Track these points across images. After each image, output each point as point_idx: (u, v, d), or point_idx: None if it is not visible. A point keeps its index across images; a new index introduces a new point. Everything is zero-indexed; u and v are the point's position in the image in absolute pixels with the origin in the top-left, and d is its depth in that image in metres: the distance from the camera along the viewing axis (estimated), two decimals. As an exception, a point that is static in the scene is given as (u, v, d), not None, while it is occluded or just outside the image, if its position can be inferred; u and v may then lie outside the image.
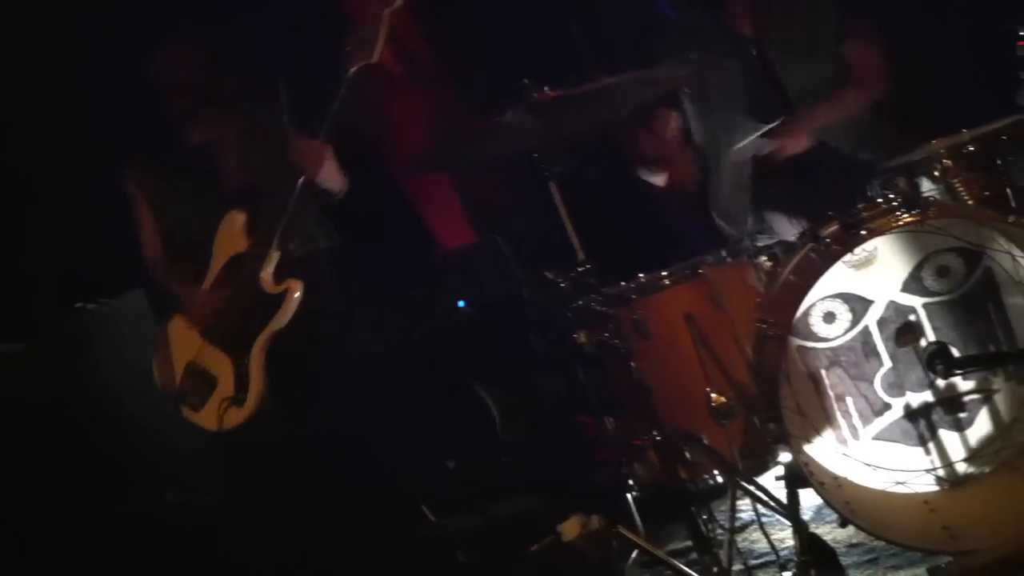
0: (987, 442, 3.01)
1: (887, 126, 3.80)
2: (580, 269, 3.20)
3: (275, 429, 3.55)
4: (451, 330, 4.56)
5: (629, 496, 3.37)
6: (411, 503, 4.08)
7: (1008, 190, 3.25)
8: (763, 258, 3.36)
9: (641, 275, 3.42)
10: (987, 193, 3.17)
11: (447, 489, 4.29)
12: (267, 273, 3.50)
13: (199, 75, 3.80)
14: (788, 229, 3.71)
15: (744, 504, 3.31)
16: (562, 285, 3.31)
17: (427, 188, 5.40)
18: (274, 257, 3.49)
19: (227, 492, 3.91)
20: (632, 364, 3.18)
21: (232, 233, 3.64)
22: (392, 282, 4.57)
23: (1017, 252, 2.93)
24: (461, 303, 4.57)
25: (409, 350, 4.33)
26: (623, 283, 3.40)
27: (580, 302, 3.36)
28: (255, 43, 4.30)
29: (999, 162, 3.28)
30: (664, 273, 3.38)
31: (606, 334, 3.21)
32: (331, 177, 3.54)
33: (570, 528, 3.47)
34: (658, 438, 3.10)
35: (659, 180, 3.80)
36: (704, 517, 3.07)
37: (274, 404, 3.52)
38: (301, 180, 3.46)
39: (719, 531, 3.11)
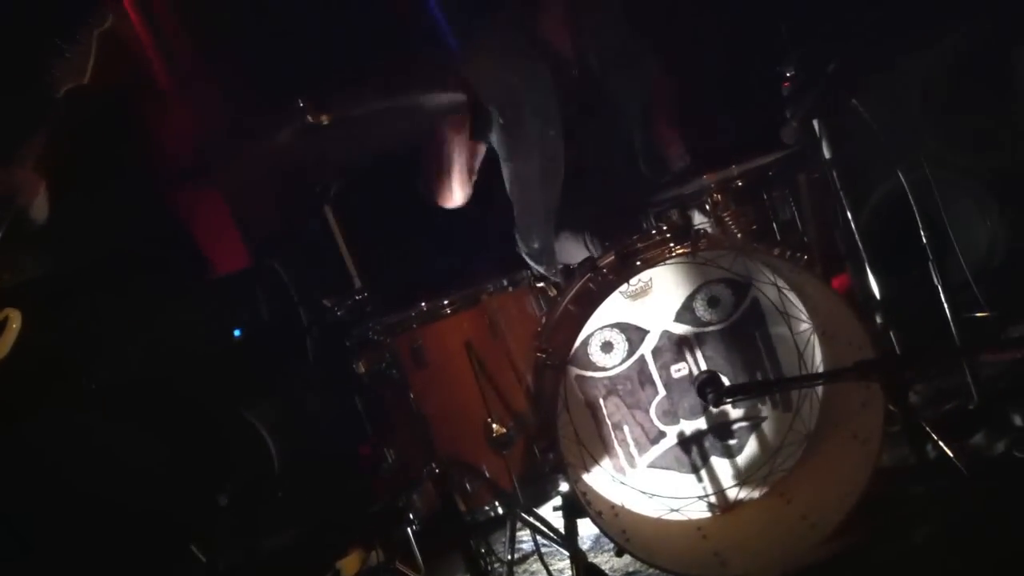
0: (756, 468, 3.10)
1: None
2: (358, 296, 3.11)
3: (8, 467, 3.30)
4: (224, 358, 4.37)
5: (409, 529, 3.29)
6: (179, 542, 3.86)
7: (774, 224, 3.40)
8: (543, 286, 3.36)
9: (422, 303, 3.36)
10: (754, 226, 3.28)
11: (218, 525, 4.08)
12: None
13: None
14: (579, 253, 3.72)
15: (524, 535, 3.28)
16: (339, 312, 3.22)
17: (201, 212, 5.17)
18: None
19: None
20: (411, 394, 3.12)
21: None
22: (162, 306, 4.34)
23: (782, 284, 3.05)
24: (236, 332, 4.38)
25: (177, 379, 4.11)
26: (403, 310, 3.33)
27: (359, 330, 3.27)
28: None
29: (766, 197, 3.42)
30: (445, 301, 3.34)
31: (384, 363, 3.14)
32: (41, 210, 3.39)
33: (350, 564, 3.37)
34: (437, 469, 3.04)
35: (454, 202, 3.75)
36: (483, 549, 3.02)
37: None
38: (9, 216, 3.29)
39: (498, 563, 3.07)
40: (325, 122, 2.94)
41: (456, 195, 3.69)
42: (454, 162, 3.62)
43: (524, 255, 3.83)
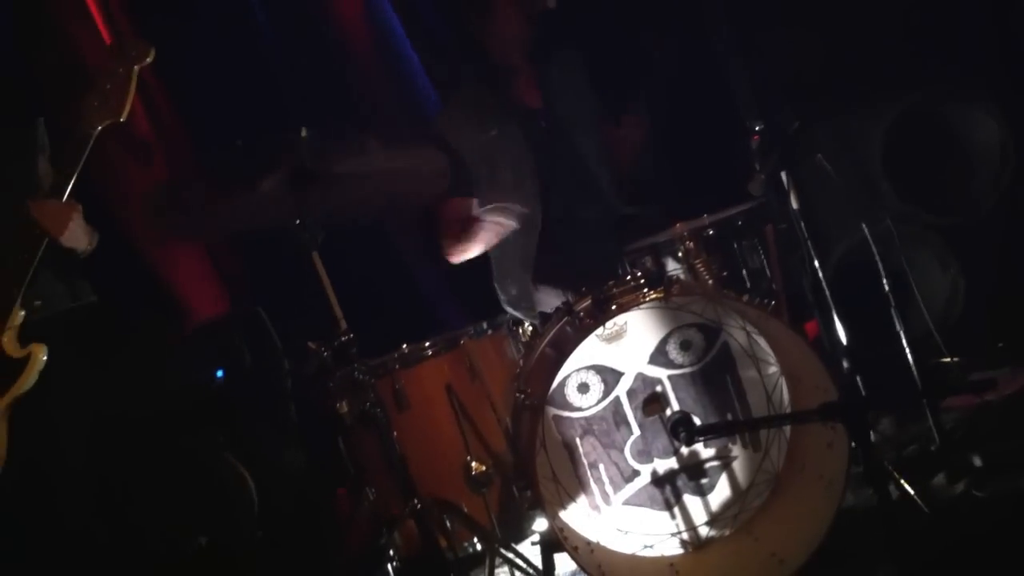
0: (727, 506, 3.19)
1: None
2: (342, 339, 3.20)
3: (17, 495, 3.33)
4: (206, 401, 4.42)
5: (389, 567, 3.36)
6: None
7: (744, 271, 3.53)
8: (522, 330, 3.46)
9: (404, 346, 3.46)
10: (724, 273, 3.41)
11: (197, 564, 4.12)
12: (10, 337, 3.30)
13: None
14: (554, 302, 3.84)
15: (502, 572, 3.36)
16: (324, 355, 3.30)
17: (180, 257, 5.24)
18: (18, 318, 3.30)
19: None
20: (393, 434, 3.20)
21: None
22: (144, 352, 4.40)
23: (751, 328, 3.17)
24: (219, 373, 4.45)
25: (159, 420, 4.17)
26: (385, 354, 3.42)
27: (341, 372, 3.36)
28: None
29: (735, 245, 3.55)
30: (426, 344, 3.44)
31: (367, 404, 3.22)
32: (77, 239, 3.37)
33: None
34: (418, 507, 3.11)
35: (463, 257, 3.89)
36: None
37: (15, 469, 3.30)
38: (42, 247, 3.29)
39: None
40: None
41: (464, 251, 3.83)
42: (453, 223, 3.77)
43: (504, 304, 3.95)
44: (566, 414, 3.16)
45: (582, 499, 3.13)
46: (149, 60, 3.25)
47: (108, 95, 3.23)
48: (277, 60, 5.08)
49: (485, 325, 3.51)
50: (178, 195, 3.50)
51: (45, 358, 3.26)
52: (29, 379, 3.25)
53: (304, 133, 3.11)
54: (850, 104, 4.44)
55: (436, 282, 4.98)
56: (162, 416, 4.21)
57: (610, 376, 3.17)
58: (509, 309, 3.90)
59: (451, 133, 3.82)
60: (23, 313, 3.30)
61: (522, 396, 3.12)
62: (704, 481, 3.19)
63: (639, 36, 4.34)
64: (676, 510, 3.17)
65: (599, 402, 3.17)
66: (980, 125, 4.45)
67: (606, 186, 3.99)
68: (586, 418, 3.16)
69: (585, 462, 3.16)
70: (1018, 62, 4.42)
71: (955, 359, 3.78)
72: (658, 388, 3.18)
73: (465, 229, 3.79)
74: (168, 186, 4.44)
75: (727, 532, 3.17)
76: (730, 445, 3.20)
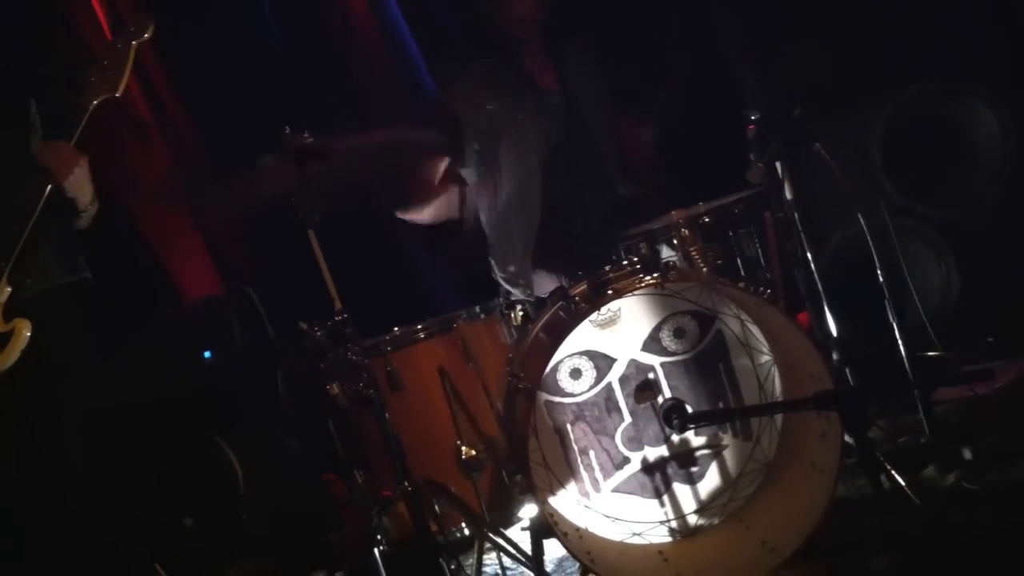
0: (716, 495, 3.19)
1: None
2: (336, 319, 3.18)
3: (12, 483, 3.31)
4: (194, 381, 4.40)
5: (376, 551, 3.34)
6: (145, 562, 3.87)
7: (738, 259, 3.53)
8: (515, 314, 3.45)
9: (396, 328, 3.44)
10: (720, 261, 3.41)
11: (184, 547, 4.11)
12: None
13: None
14: (549, 286, 3.83)
15: (491, 557, 3.35)
16: (316, 335, 3.28)
17: (173, 237, 5.22)
18: (4, 292, 3.26)
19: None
20: (385, 415, 3.18)
21: None
22: (131, 331, 4.37)
23: (745, 317, 3.16)
24: (207, 354, 4.42)
25: (148, 401, 4.15)
26: (378, 335, 3.41)
27: (334, 353, 3.34)
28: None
29: (731, 233, 3.55)
30: (419, 327, 3.43)
31: (359, 385, 3.20)
32: (81, 187, 3.31)
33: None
34: (408, 489, 3.10)
35: (424, 217, 3.88)
36: (452, 567, 3.09)
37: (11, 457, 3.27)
38: (44, 196, 3.23)
39: (465, 583, 3.13)
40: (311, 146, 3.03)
41: (423, 211, 3.81)
42: (417, 177, 3.76)
43: (499, 279, 3.94)
44: (558, 399, 3.15)
45: (572, 485, 3.12)
46: (148, 36, 3.21)
47: (106, 70, 3.21)
48: (279, 44, 5.07)
49: (478, 309, 3.49)
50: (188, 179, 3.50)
51: (29, 334, 3.22)
52: (11, 356, 3.21)
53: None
54: (853, 97, 4.43)
55: (434, 264, 4.98)
56: (150, 397, 4.18)
57: (603, 362, 3.16)
58: (505, 284, 3.89)
59: (457, 102, 3.82)
60: (9, 289, 3.26)
61: (515, 380, 3.11)
62: (694, 469, 3.19)
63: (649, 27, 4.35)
64: (665, 498, 3.17)
65: (591, 388, 3.16)
66: (981, 120, 4.45)
67: (613, 173, 3.99)
68: (578, 404, 3.16)
69: (576, 448, 3.15)
70: (1020, 57, 4.41)
71: (947, 353, 3.78)
72: (650, 375, 3.17)
73: (428, 190, 3.81)
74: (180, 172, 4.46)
75: (717, 520, 3.18)
76: (721, 433, 3.20)
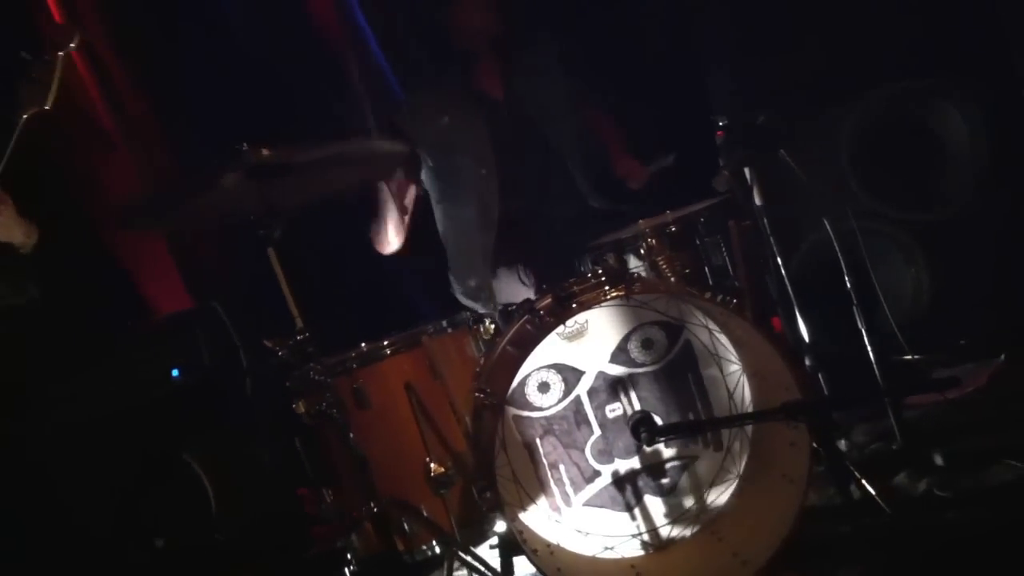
0: (688, 506, 3.16)
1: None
2: (299, 337, 3.14)
3: None
4: (162, 398, 4.34)
5: (346, 570, 3.30)
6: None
7: (706, 268, 3.50)
8: (485, 327, 3.42)
9: (363, 344, 3.40)
10: (687, 271, 3.39)
11: (154, 568, 4.05)
12: None
13: None
14: (517, 289, 3.80)
15: (461, 574, 3.31)
16: (280, 353, 3.24)
17: (141, 252, 5.16)
18: None
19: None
20: (350, 434, 3.15)
21: None
22: (98, 347, 4.32)
23: (713, 326, 3.13)
24: (175, 372, 4.36)
25: (114, 420, 4.09)
26: (343, 351, 3.37)
27: (299, 371, 3.30)
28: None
29: (698, 242, 3.53)
30: (385, 343, 3.38)
31: (324, 403, 3.16)
32: (9, 232, 3.28)
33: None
34: (375, 509, 3.06)
35: (391, 247, 3.84)
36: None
37: None
38: None
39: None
40: (267, 159, 2.98)
41: (392, 240, 3.76)
42: (388, 207, 3.71)
43: (459, 295, 3.91)
44: (526, 414, 3.12)
45: (542, 500, 3.09)
46: (74, 46, 3.19)
47: (35, 82, 3.18)
48: (247, 52, 5.02)
49: (445, 323, 3.45)
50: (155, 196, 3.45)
51: None
52: None
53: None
54: (820, 100, 4.41)
55: (408, 277, 4.94)
56: (117, 415, 4.13)
57: (571, 375, 3.13)
58: (466, 301, 3.86)
59: (408, 123, 3.78)
60: None
61: (482, 395, 3.07)
62: (665, 481, 3.16)
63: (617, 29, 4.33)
64: (637, 511, 3.14)
65: (560, 401, 3.13)
66: (953, 122, 4.43)
67: (580, 179, 3.95)
68: (547, 418, 3.12)
69: (545, 462, 3.12)
70: (995, 59, 4.40)
71: (918, 357, 3.77)
72: (619, 387, 3.14)
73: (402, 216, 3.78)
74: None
75: (688, 532, 3.14)
76: (691, 445, 3.17)
